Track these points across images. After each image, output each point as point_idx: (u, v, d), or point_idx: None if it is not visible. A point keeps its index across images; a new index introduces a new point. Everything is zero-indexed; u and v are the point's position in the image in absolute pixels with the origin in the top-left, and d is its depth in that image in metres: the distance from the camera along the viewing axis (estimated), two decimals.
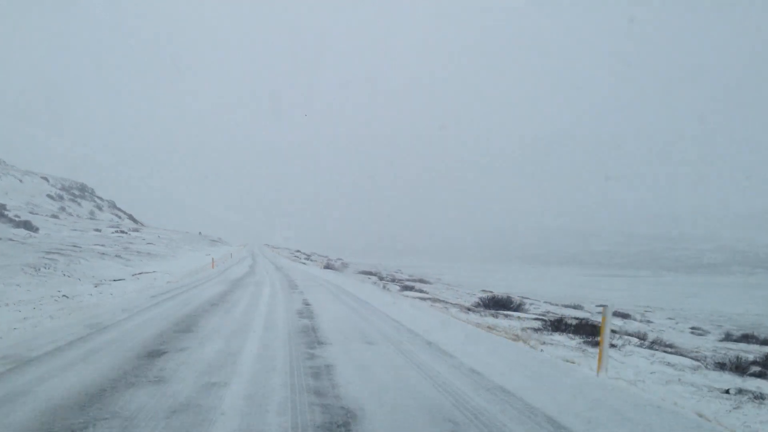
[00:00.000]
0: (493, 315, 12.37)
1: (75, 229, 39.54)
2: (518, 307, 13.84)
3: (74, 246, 25.62)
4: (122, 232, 43.10)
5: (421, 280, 39.99)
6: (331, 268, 34.51)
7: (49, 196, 60.02)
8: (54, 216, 46.33)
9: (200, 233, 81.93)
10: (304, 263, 39.54)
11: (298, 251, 66.42)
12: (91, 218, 59.23)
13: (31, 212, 46.47)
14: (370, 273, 39.05)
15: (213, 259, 30.99)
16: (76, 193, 68.34)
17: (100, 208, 68.52)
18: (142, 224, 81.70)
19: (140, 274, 18.04)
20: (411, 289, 21.48)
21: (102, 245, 30.22)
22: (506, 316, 12.54)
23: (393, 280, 28.88)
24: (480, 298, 15.15)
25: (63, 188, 66.48)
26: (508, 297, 14.71)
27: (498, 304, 13.92)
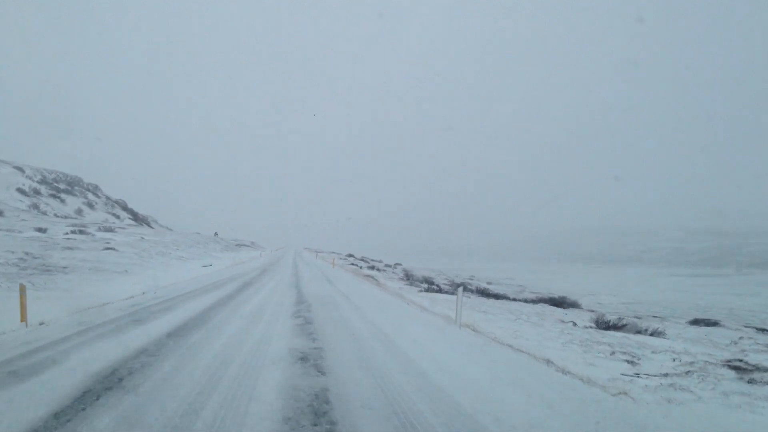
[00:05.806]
0: None
1: (2, 229, 24.96)
2: None
3: None
4: (82, 233, 28.32)
5: (555, 299, 23.27)
6: (431, 290, 18.18)
7: (19, 190, 46.41)
8: None
9: (216, 234, 67.34)
10: (404, 291, 20.81)
11: (350, 255, 50.44)
12: (71, 216, 45.26)
13: None
14: (479, 291, 22.88)
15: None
16: (61, 187, 54.69)
17: (91, 206, 54.71)
18: (148, 224, 67.91)
19: None
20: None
21: None
22: None
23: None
24: None
25: (43, 181, 52.92)
26: None
27: None
